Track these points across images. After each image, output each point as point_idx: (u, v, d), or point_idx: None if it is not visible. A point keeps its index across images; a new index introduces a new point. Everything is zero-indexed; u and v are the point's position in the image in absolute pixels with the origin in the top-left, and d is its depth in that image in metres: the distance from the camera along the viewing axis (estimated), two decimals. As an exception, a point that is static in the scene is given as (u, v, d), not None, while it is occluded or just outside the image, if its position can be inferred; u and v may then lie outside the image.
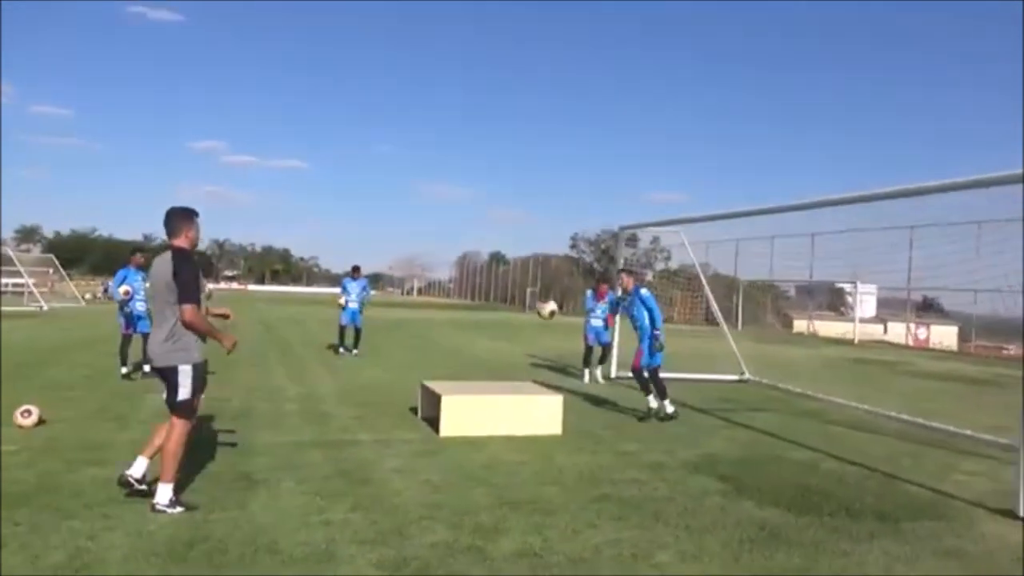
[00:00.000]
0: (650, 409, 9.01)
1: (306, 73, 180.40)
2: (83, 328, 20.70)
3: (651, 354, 9.12)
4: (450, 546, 4.42)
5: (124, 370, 10.72)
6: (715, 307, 14.07)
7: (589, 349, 12.82)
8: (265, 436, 7.27)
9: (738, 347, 14.32)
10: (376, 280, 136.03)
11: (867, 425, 9.26)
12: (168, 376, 4.97)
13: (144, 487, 5.00)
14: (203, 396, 5.28)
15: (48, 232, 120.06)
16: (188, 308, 4.87)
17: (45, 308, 30.06)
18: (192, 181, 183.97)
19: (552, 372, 13.87)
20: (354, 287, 15.43)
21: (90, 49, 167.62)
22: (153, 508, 4.79)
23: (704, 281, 14.40)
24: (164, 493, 4.82)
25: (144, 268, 10.98)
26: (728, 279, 40.74)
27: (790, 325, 38.78)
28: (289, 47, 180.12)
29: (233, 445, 6.78)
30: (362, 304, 15.46)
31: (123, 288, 10.71)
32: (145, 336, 10.67)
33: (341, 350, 15.06)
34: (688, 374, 13.37)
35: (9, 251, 35.04)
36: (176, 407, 4.95)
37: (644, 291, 9.36)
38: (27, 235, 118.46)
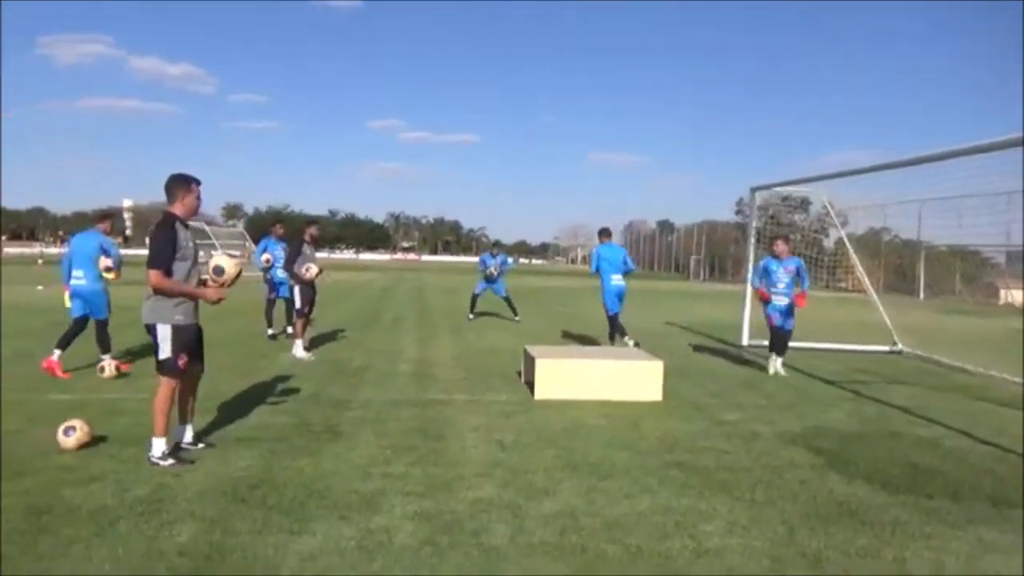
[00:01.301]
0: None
1: (478, 47, 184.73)
2: (258, 292, 22.67)
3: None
4: (490, 503, 4.44)
5: (270, 332, 11.66)
6: (861, 272, 12.92)
7: (774, 331, 9.78)
8: (368, 393, 7.65)
9: (911, 317, 13.16)
10: (544, 249, 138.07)
11: (1026, 403, 8.17)
12: (151, 333, 5.09)
13: (202, 444, 5.40)
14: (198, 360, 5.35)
15: (249, 209, 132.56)
16: (151, 273, 4.95)
17: (235, 278, 33.25)
18: (372, 158, 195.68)
19: (694, 351, 13.41)
20: (493, 262, 15.79)
21: (278, 37, 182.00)
22: (149, 460, 4.99)
23: (847, 242, 13.24)
24: (157, 446, 5.00)
25: (284, 239, 11.85)
26: (911, 245, 37.24)
27: (995, 295, 34.73)
28: (460, 20, 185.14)
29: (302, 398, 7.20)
30: (501, 274, 15.89)
31: (264, 256, 11.63)
32: (286, 300, 11.60)
33: (470, 316, 15.50)
34: (831, 344, 12.46)
35: (203, 225, 39.02)
36: (158, 366, 5.09)
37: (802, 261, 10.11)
38: (231, 212, 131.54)
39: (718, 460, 5.54)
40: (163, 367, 5.10)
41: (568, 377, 7.58)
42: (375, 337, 12.39)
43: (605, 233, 11.88)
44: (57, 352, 8.19)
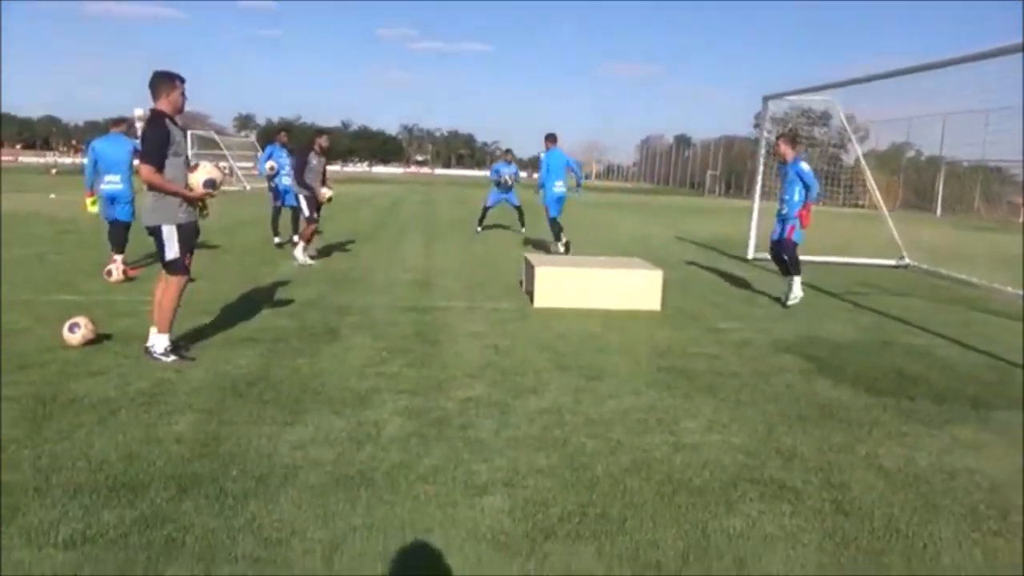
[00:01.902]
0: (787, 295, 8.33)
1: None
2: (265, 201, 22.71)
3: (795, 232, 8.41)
4: (479, 401, 4.57)
5: (276, 240, 11.75)
6: (872, 186, 12.72)
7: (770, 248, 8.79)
8: (369, 299, 7.77)
9: (924, 234, 13.09)
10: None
11: (1026, 315, 8.18)
12: (155, 235, 5.17)
13: (180, 348, 5.30)
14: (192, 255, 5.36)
15: (261, 120, 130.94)
16: (143, 168, 4.99)
17: (248, 188, 33.21)
18: (382, 67, 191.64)
19: (699, 265, 13.39)
20: (507, 171, 15.53)
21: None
22: (148, 352, 5.15)
23: (861, 158, 12.98)
24: (160, 341, 5.17)
25: (287, 146, 11.78)
26: (932, 161, 36.47)
27: (1016, 213, 34.20)
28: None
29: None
30: (514, 183, 15.63)
31: (269, 164, 11.60)
32: (292, 208, 11.65)
33: (479, 229, 15.50)
34: (838, 258, 12.41)
35: (214, 135, 38.73)
36: (167, 265, 5.19)
37: (804, 164, 8.36)
38: (243, 123, 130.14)
39: (708, 365, 5.64)
40: (172, 267, 5.21)
41: (567, 286, 7.64)
42: (380, 247, 12.46)
43: (551, 139, 12.18)
44: (118, 257, 8.44)
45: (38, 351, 5.26)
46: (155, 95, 5.13)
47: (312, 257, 10.14)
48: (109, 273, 8.17)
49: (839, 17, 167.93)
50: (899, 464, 3.81)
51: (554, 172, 11.92)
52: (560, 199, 11.97)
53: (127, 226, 8.71)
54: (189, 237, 5.24)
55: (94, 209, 8.91)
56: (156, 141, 5.02)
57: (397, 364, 5.34)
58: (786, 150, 8.50)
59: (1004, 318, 8.07)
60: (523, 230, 15.44)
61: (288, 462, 3.57)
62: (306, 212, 10.10)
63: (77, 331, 5.37)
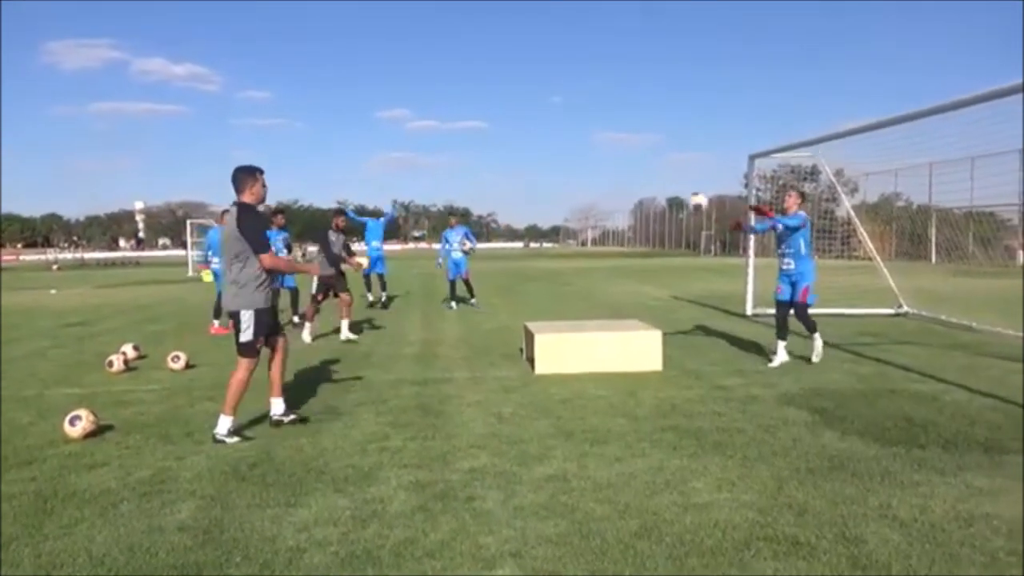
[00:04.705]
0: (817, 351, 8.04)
1: (480, 30, 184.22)
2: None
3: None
4: (484, 471, 4.51)
5: (276, 322, 11.81)
6: (863, 235, 12.86)
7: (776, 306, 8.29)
8: (370, 374, 7.74)
9: (919, 281, 13.17)
10: (555, 232, 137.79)
11: (1030, 356, 8.14)
12: (234, 319, 5.44)
13: (293, 415, 5.71)
14: (282, 338, 5.79)
15: (260, 207, 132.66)
16: (263, 257, 5.35)
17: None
18: (379, 149, 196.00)
19: (698, 322, 13.40)
20: (454, 236, 14.70)
21: (285, 32, 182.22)
22: (213, 438, 5.27)
23: (850, 209, 13.16)
24: (224, 424, 5.31)
25: (284, 228, 11.95)
26: (923, 209, 36.85)
27: (1013, 257, 34.37)
28: (459, 6, 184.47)
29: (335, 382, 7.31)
30: (466, 253, 14.68)
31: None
32: (290, 290, 11.76)
33: (453, 304, 14.51)
34: (836, 309, 12.41)
35: (214, 223, 39.25)
36: (239, 348, 5.41)
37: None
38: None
39: (713, 423, 5.60)
40: (244, 349, 5.41)
41: (568, 351, 7.64)
42: (379, 322, 12.48)
43: (372, 214, 17.56)
44: (217, 321, 11.10)
45: (39, 446, 5.22)
46: (239, 189, 5.45)
47: (315, 337, 10.18)
48: (110, 364, 8.17)
49: (828, 82, 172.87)
50: (914, 514, 3.74)
51: (372, 235, 15.74)
52: (377, 259, 15.34)
53: None
54: (264, 320, 5.46)
55: (208, 280, 11.97)
56: (261, 229, 5.43)
57: (400, 438, 5.29)
58: (789, 203, 7.95)
59: (1008, 361, 8.03)
60: (473, 301, 14.64)
61: (292, 544, 3.50)
62: (313, 290, 10.34)
63: (78, 423, 5.35)
